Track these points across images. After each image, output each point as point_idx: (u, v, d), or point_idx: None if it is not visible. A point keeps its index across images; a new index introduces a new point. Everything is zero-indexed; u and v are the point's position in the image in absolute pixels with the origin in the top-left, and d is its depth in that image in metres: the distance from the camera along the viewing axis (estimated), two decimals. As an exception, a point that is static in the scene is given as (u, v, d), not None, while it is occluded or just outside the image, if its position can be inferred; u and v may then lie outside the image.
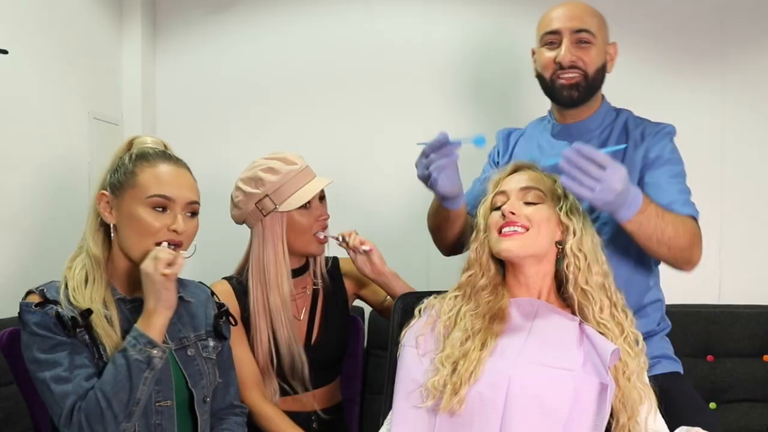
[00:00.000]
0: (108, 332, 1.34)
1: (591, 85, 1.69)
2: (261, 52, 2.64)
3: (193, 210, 1.43)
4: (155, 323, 1.32)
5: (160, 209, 1.38)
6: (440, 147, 1.49)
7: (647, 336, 1.72)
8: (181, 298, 1.48)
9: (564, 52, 1.66)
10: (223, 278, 1.83)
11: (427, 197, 2.56)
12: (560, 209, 1.40)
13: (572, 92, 1.69)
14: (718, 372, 2.29)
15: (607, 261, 1.43)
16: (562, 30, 1.67)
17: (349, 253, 1.80)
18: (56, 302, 1.34)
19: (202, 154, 2.38)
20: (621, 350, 1.33)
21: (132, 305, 1.42)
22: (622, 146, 1.37)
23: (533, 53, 1.78)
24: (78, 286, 1.36)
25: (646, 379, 1.37)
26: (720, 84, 2.50)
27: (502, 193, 1.44)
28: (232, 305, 1.73)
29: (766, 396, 2.30)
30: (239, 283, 1.80)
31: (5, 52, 1.90)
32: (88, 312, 1.33)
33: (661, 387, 1.52)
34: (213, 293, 1.59)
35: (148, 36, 2.64)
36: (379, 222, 2.53)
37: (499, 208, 1.43)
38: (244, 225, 1.84)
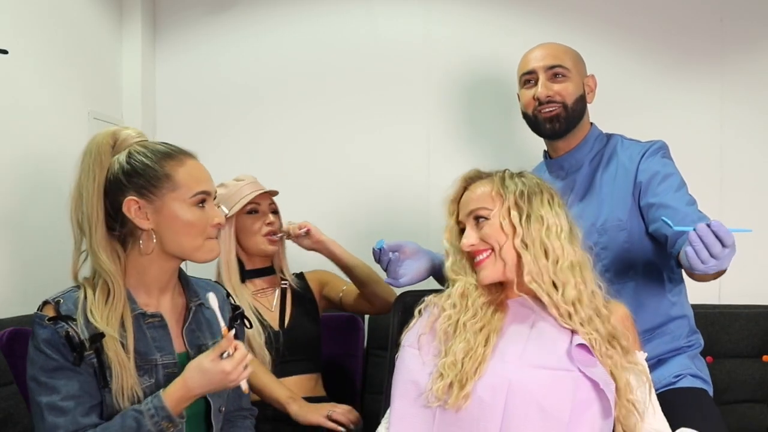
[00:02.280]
0: (120, 358, 1.28)
1: (571, 115, 1.78)
2: (261, 52, 2.64)
3: (215, 197, 1.43)
4: (182, 404, 1.29)
5: (201, 205, 1.37)
6: (378, 260, 1.70)
7: (672, 354, 1.72)
8: (200, 305, 1.46)
9: (540, 88, 1.78)
10: None
11: (427, 198, 2.57)
12: (500, 211, 1.40)
13: (554, 125, 1.78)
14: (717, 373, 2.29)
15: (574, 243, 1.40)
16: (536, 69, 1.79)
17: (296, 242, 2.03)
18: (71, 318, 1.28)
19: (202, 153, 2.35)
20: (590, 341, 1.32)
21: (151, 320, 1.37)
22: (749, 230, 1.41)
23: (519, 97, 1.88)
24: (98, 301, 1.31)
25: (638, 359, 1.36)
26: (720, 84, 2.50)
27: (459, 222, 1.47)
28: None
29: (765, 396, 2.30)
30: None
31: (5, 52, 1.90)
32: (99, 336, 1.28)
33: (675, 400, 1.51)
34: (228, 294, 1.56)
35: (148, 36, 2.64)
36: (379, 221, 2.54)
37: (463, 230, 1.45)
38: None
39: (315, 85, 2.63)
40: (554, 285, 1.36)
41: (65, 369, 1.27)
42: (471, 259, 1.44)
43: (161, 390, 1.29)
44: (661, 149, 1.75)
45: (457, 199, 1.50)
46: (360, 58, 2.61)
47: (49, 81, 2.19)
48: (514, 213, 1.38)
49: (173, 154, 1.38)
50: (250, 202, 1.98)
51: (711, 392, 1.71)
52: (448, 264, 1.48)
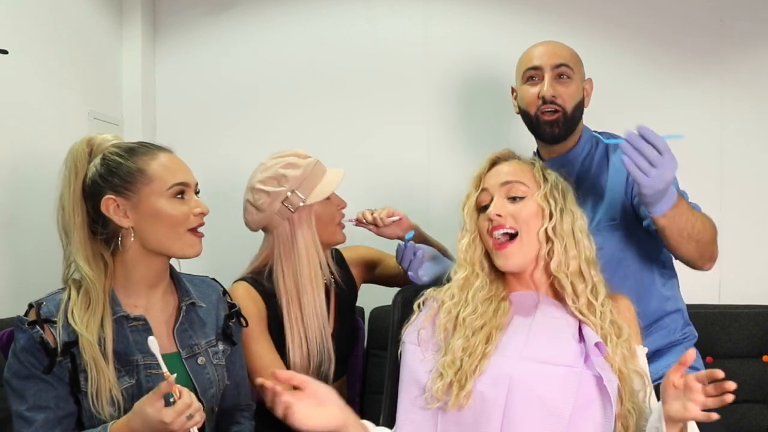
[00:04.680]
0: (97, 361, 1.28)
1: (570, 121, 1.75)
2: (261, 53, 2.64)
3: (197, 190, 1.43)
4: None
5: (180, 196, 1.37)
6: (402, 257, 1.74)
7: (668, 347, 1.73)
8: (192, 304, 1.46)
9: (546, 87, 1.72)
10: (238, 279, 1.77)
11: (427, 198, 2.57)
12: (539, 194, 1.40)
13: (554, 129, 1.75)
14: (717, 372, 2.29)
15: (593, 242, 1.43)
16: (543, 66, 1.74)
17: (377, 232, 1.86)
18: (49, 321, 1.30)
19: (202, 153, 2.38)
20: (602, 337, 1.32)
21: (134, 324, 1.36)
22: (682, 136, 1.42)
23: (513, 91, 1.86)
24: (80, 303, 1.32)
25: (642, 365, 1.36)
26: (720, 83, 2.50)
27: (485, 190, 1.42)
28: (259, 307, 1.70)
29: (765, 396, 2.30)
30: (260, 284, 1.75)
31: (5, 52, 1.90)
32: (73, 343, 1.28)
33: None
34: (225, 291, 1.56)
35: (148, 36, 2.64)
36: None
37: (485, 208, 1.42)
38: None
39: (315, 85, 2.63)
40: (581, 276, 1.37)
41: (36, 378, 1.28)
42: (489, 237, 1.40)
43: (111, 422, 1.27)
44: None
45: (483, 175, 1.45)
46: (360, 58, 2.61)
47: (48, 81, 2.19)
48: (551, 201, 1.39)
49: (146, 150, 1.38)
50: None
51: None
52: (463, 242, 1.43)
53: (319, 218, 1.75)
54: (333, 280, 1.84)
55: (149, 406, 1.20)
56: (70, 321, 1.29)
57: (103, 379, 1.28)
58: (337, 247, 1.91)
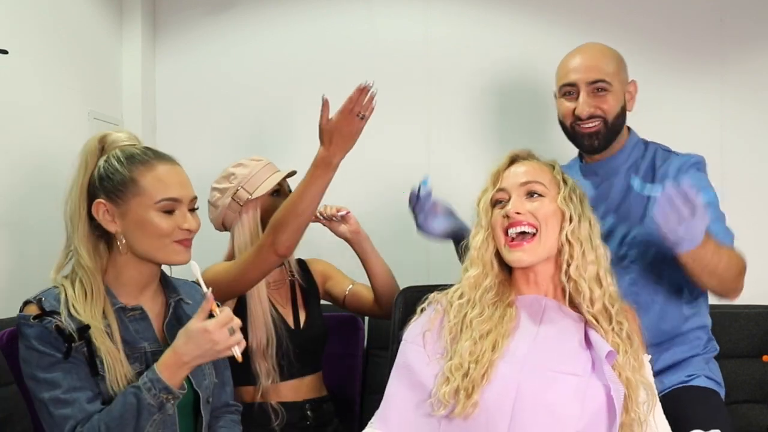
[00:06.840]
0: (109, 347, 1.31)
1: (611, 130, 1.72)
2: (261, 52, 2.64)
3: (194, 206, 1.43)
4: (180, 374, 1.29)
5: (169, 211, 1.37)
6: (415, 203, 1.72)
7: (689, 358, 1.72)
8: (180, 300, 1.48)
9: (581, 105, 1.69)
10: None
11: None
12: (559, 195, 1.39)
13: (593, 140, 1.72)
14: (717, 372, 2.29)
15: (605, 246, 1.42)
16: (578, 82, 1.70)
17: (327, 226, 1.94)
18: (55, 313, 1.31)
19: (201, 153, 2.37)
20: (613, 345, 1.32)
21: (132, 314, 1.39)
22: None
23: (555, 99, 1.81)
24: (78, 296, 1.33)
25: (648, 376, 1.36)
26: (720, 83, 2.50)
27: (503, 190, 1.42)
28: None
29: (765, 396, 2.30)
30: None
31: (5, 52, 1.90)
32: (86, 327, 1.30)
33: (686, 396, 1.51)
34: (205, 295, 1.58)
35: (148, 36, 2.64)
36: (380, 218, 2.53)
37: (500, 203, 1.41)
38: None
39: (314, 85, 2.62)
40: (598, 282, 1.36)
41: (61, 363, 1.29)
42: (502, 234, 1.39)
43: (156, 363, 1.30)
44: (696, 164, 1.71)
45: (502, 172, 1.45)
46: (360, 58, 2.61)
47: (48, 81, 2.19)
48: (570, 204, 1.39)
49: (146, 160, 1.38)
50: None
51: (723, 395, 1.71)
52: (478, 239, 1.42)
53: (266, 211, 1.84)
54: (297, 278, 1.98)
55: (193, 323, 1.27)
56: (74, 314, 1.31)
57: (118, 365, 1.31)
58: (302, 257, 2.06)
